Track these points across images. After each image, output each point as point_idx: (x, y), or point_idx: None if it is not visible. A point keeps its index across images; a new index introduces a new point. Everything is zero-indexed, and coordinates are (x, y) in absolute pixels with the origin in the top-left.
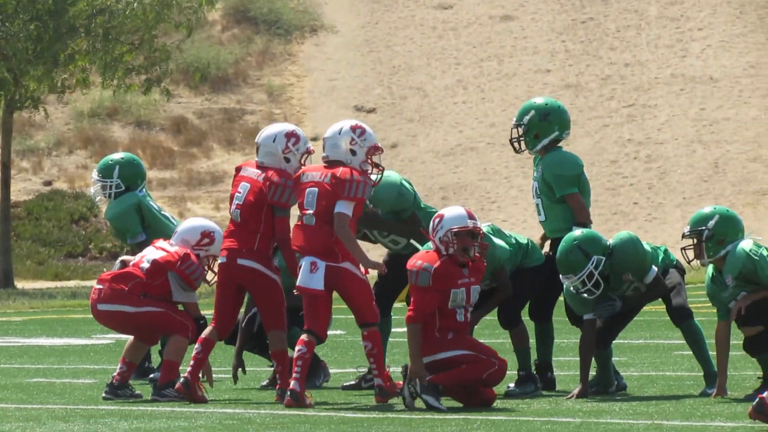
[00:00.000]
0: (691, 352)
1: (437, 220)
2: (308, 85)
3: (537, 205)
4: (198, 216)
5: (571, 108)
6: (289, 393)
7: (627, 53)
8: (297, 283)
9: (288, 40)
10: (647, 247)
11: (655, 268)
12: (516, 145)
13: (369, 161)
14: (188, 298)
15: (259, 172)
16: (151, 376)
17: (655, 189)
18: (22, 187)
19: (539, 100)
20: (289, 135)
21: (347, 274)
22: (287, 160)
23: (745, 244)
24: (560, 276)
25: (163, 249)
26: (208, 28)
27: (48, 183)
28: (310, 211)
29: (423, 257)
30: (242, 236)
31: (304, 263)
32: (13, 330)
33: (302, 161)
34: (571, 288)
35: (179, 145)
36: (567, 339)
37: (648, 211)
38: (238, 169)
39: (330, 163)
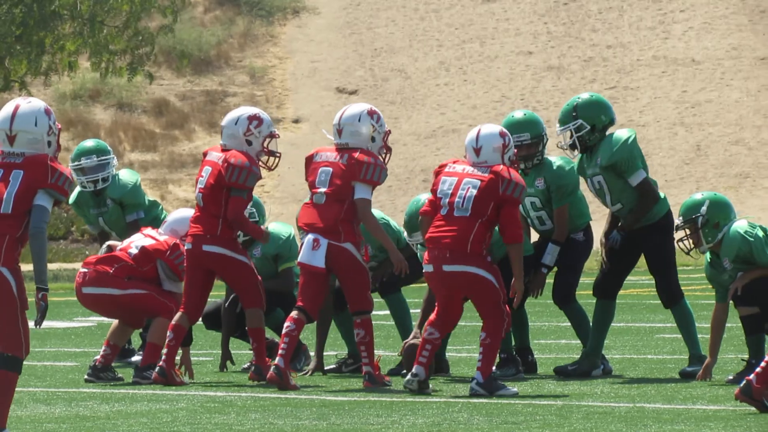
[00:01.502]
0: (674, 336)
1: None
2: (290, 66)
3: (540, 217)
4: (180, 199)
5: (553, 90)
6: (273, 368)
7: (609, 35)
8: (299, 259)
9: (270, 21)
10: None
11: (643, 173)
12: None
13: (385, 146)
14: (175, 288)
15: (221, 155)
16: (132, 359)
17: None
18: None
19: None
20: (252, 118)
21: (348, 256)
22: (249, 142)
23: (740, 226)
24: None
25: (152, 237)
26: (191, 9)
27: None
28: (322, 190)
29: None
30: (206, 221)
31: (307, 240)
32: None
33: (264, 145)
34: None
35: (161, 127)
36: (548, 322)
37: None
38: (204, 154)
39: (345, 149)
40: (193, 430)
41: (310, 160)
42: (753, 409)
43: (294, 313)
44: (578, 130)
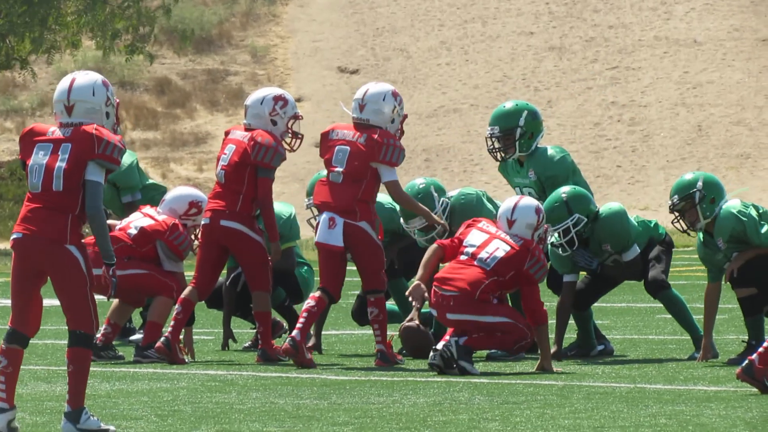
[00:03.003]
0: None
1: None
2: (292, 46)
3: None
4: (181, 178)
5: (555, 70)
6: (289, 340)
7: (611, 15)
8: (316, 239)
9: (272, 1)
10: (635, 222)
11: (637, 248)
12: (500, 154)
13: (401, 129)
14: (175, 267)
15: (246, 133)
16: (132, 337)
17: (638, 152)
18: (6, 148)
19: (519, 102)
20: (277, 98)
21: (363, 235)
22: (274, 122)
23: (732, 206)
24: None
25: (151, 217)
26: None
27: None
28: (339, 169)
29: None
30: (226, 197)
31: (323, 219)
32: None
33: (289, 125)
34: (548, 240)
35: (163, 105)
36: (547, 303)
37: (631, 174)
38: (226, 133)
39: (364, 126)
40: (194, 409)
41: (326, 137)
42: (754, 389)
43: (317, 293)
44: (576, 224)
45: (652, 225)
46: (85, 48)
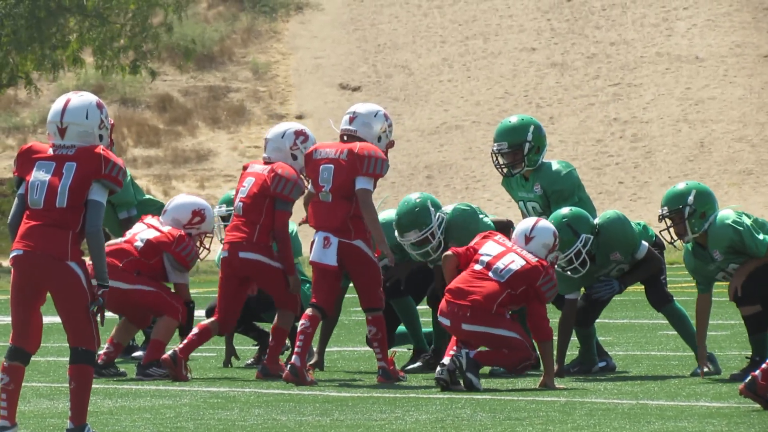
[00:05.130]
0: (674, 333)
1: None
2: (293, 63)
3: None
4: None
5: (557, 87)
6: (288, 367)
7: (612, 32)
8: (310, 258)
9: (273, 17)
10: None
11: (645, 244)
12: (507, 169)
13: (385, 150)
14: (181, 279)
15: (266, 167)
16: (135, 354)
17: (640, 168)
18: (8, 165)
19: (524, 117)
20: (298, 133)
21: (359, 253)
22: (294, 157)
23: (726, 216)
24: None
25: (156, 228)
26: (194, 5)
27: None
28: (327, 188)
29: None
30: (243, 228)
31: (318, 238)
32: None
33: None
34: (557, 267)
35: (164, 123)
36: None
37: (633, 191)
38: (245, 167)
39: (349, 137)
40: (196, 426)
41: (309, 158)
42: (757, 405)
43: (309, 311)
44: (585, 244)
45: (641, 226)
46: (88, 65)
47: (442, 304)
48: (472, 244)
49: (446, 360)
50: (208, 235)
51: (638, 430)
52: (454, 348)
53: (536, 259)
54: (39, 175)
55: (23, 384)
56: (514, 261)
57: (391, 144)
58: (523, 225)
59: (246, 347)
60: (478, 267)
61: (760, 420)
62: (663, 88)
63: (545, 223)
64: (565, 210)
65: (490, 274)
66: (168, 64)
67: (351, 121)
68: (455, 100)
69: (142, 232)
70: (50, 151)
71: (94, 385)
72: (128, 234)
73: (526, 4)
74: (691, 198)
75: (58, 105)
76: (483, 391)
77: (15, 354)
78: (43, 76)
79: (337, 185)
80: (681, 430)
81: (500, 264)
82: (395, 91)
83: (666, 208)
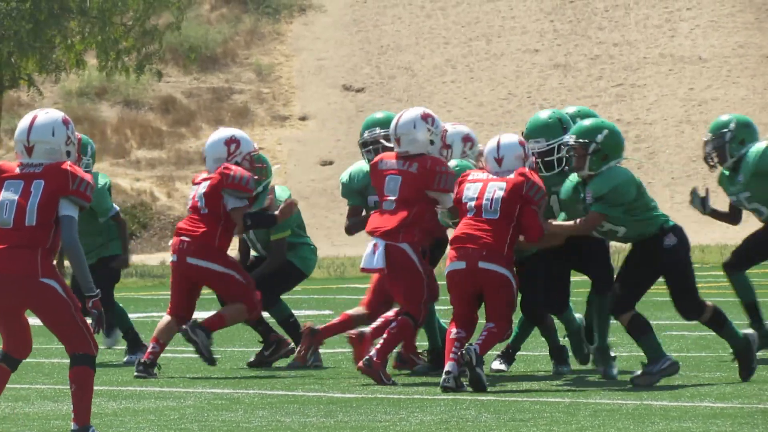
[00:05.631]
0: (681, 333)
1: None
2: (297, 64)
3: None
4: (187, 197)
5: (560, 88)
6: (365, 360)
7: (616, 33)
8: (361, 266)
9: (276, 19)
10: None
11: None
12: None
13: (444, 145)
14: (240, 203)
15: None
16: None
17: (644, 169)
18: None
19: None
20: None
21: (403, 257)
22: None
23: (761, 145)
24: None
25: (204, 179)
26: (197, 7)
27: None
28: (392, 198)
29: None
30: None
31: (368, 246)
32: None
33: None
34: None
35: (168, 124)
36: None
37: None
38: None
39: (410, 156)
40: (200, 427)
41: (375, 167)
42: (761, 406)
43: (400, 316)
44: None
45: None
46: (91, 67)
47: (451, 253)
48: (455, 196)
49: (450, 367)
50: (252, 154)
51: (642, 431)
52: (455, 348)
53: (514, 174)
54: (8, 195)
55: (28, 386)
56: (496, 189)
57: (444, 135)
58: (488, 149)
59: (249, 349)
60: (471, 213)
61: (764, 420)
62: (666, 89)
63: (507, 138)
64: (573, 109)
65: (484, 215)
66: (171, 66)
67: (398, 143)
68: (458, 101)
69: (198, 190)
70: (17, 170)
71: (98, 387)
72: (189, 199)
73: (528, 6)
74: (732, 125)
75: (24, 123)
76: (487, 392)
77: (4, 357)
78: (46, 78)
79: (404, 195)
80: (685, 430)
81: (485, 201)
82: (398, 92)
83: (710, 134)
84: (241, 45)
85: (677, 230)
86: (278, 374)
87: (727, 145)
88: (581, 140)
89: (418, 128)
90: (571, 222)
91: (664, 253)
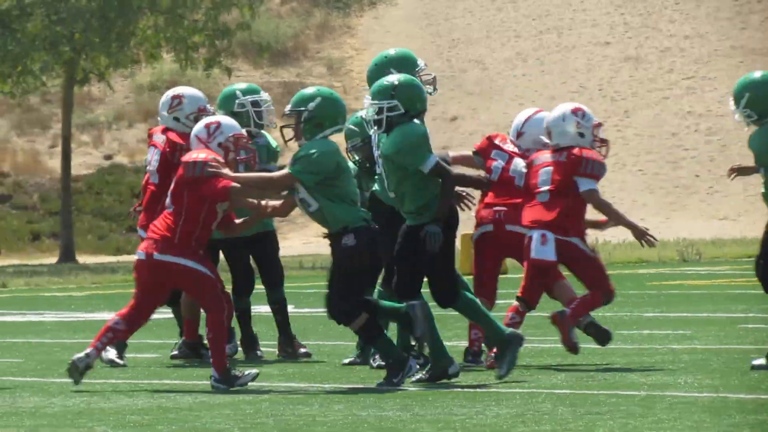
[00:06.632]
0: (756, 326)
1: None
2: (367, 58)
3: None
4: None
5: (631, 80)
6: (560, 312)
7: (686, 25)
8: (531, 256)
9: (347, 13)
10: None
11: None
12: None
13: (596, 139)
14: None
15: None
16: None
17: (716, 162)
18: (83, 161)
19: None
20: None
21: (575, 249)
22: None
23: None
24: None
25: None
26: (267, 1)
27: (108, 157)
28: (545, 188)
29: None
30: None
31: (535, 236)
32: (75, 305)
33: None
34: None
35: None
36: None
37: (709, 184)
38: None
39: (560, 148)
40: (276, 421)
41: (530, 166)
42: None
43: (517, 304)
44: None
45: None
46: (163, 61)
47: (483, 212)
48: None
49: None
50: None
51: (719, 424)
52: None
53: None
54: None
55: (103, 381)
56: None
57: (596, 128)
58: (546, 121)
59: (325, 342)
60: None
61: None
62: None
63: (539, 115)
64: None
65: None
66: (242, 61)
67: (549, 136)
68: (529, 94)
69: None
70: None
71: (173, 381)
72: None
73: None
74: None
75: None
76: (563, 386)
77: None
78: (118, 72)
79: (555, 184)
80: (762, 423)
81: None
82: (470, 85)
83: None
84: (312, 39)
85: (361, 232)
86: (354, 368)
87: None
88: (294, 109)
89: (567, 121)
90: (264, 174)
91: (341, 251)
